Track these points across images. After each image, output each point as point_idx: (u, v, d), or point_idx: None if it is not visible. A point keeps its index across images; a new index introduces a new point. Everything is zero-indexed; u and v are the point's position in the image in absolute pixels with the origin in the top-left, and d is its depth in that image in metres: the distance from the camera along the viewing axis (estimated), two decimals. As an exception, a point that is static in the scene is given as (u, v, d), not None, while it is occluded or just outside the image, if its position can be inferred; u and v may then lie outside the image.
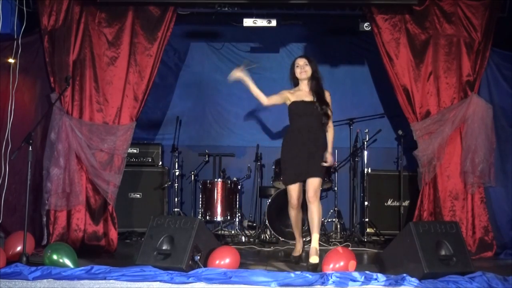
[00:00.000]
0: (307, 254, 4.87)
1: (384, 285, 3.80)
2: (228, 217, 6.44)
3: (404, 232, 4.35)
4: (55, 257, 4.28)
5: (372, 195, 6.52)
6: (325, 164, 4.87)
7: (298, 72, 4.98)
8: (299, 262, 5.03)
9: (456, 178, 5.55)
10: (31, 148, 4.60)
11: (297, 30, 7.03)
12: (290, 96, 4.99)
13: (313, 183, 4.80)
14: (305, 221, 6.24)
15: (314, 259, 4.59)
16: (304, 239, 6.11)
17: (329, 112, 4.92)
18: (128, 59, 5.56)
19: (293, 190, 4.95)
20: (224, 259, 4.26)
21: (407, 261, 4.14)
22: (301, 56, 5.08)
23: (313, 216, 4.79)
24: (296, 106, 4.94)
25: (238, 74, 4.85)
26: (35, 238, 5.09)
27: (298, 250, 5.20)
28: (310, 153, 4.85)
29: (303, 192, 4.99)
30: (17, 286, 3.84)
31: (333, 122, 6.79)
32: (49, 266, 4.13)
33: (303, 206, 5.05)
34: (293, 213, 5.06)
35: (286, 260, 5.19)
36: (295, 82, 5.07)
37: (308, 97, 4.95)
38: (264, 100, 4.96)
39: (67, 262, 4.28)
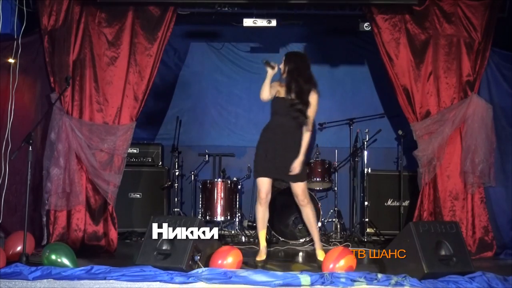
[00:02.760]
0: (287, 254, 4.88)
1: (384, 285, 3.80)
2: (228, 217, 6.44)
3: (404, 232, 4.35)
4: (53, 257, 4.27)
5: (372, 195, 6.52)
6: (291, 173, 4.83)
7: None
8: (264, 267, 4.74)
9: (456, 178, 5.54)
10: (31, 148, 4.60)
11: (297, 30, 7.03)
12: (279, 90, 4.95)
13: (299, 187, 4.89)
14: (301, 220, 6.27)
15: (321, 255, 4.79)
16: (304, 239, 6.15)
17: (306, 113, 4.82)
18: (128, 59, 5.55)
19: (262, 182, 4.87)
20: (227, 259, 4.25)
21: (407, 261, 4.14)
22: (285, 54, 5.09)
23: (309, 217, 4.97)
24: (275, 102, 4.94)
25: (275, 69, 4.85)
26: (35, 238, 5.09)
27: (262, 254, 4.99)
28: (287, 155, 4.82)
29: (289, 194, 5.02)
30: (17, 286, 3.84)
31: (334, 122, 6.85)
32: (49, 266, 4.11)
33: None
34: (260, 210, 4.93)
35: (286, 260, 5.18)
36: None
37: (285, 94, 4.90)
38: (266, 96, 4.87)
39: (66, 262, 4.27)
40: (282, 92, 4.93)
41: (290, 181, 4.93)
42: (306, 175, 5.02)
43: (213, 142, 7.30)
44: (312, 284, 3.84)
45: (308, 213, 4.96)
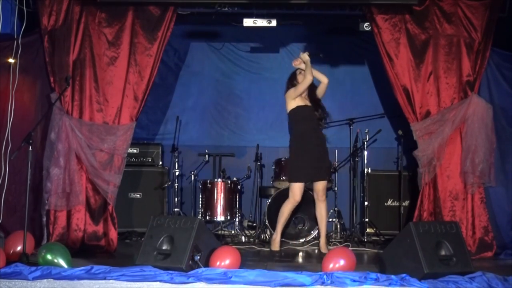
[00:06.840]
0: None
1: (384, 285, 3.80)
2: (228, 217, 6.44)
3: (404, 232, 4.34)
4: (49, 257, 4.26)
5: (372, 195, 6.52)
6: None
7: (301, 78, 5.58)
8: (279, 256, 5.44)
9: (456, 178, 5.54)
10: (31, 148, 4.60)
11: (297, 30, 7.03)
12: (298, 98, 5.58)
13: (322, 184, 5.56)
14: (305, 221, 6.27)
15: (326, 250, 5.50)
16: (304, 239, 6.15)
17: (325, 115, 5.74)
18: (128, 59, 5.55)
19: (299, 187, 5.52)
20: (225, 259, 4.25)
21: (407, 261, 4.14)
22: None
23: (322, 212, 5.59)
24: (303, 110, 5.52)
25: (306, 58, 5.55)
26: (35, 238, 5.09)
27: (277, 245, 5.66)
28: (319, 156, 5.52)
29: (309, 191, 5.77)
30: (17, 286, 3.83)
31: (333, 122, 6.81)
32: (49, 266, 4.11)
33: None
34: (290, 208, 5.59)
35: (286, 260, 5.18)
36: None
37: (308, 102, 5.60)
38: (324, 78, 5.69)
39: (61, 262, 4.25)
40: (303, 100, 5.58)
41: (320, 179, 5.54)
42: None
43: (213, 142, 7.30)
44: (312, 284, 3.84)
45: (322, 208, 5.58)
